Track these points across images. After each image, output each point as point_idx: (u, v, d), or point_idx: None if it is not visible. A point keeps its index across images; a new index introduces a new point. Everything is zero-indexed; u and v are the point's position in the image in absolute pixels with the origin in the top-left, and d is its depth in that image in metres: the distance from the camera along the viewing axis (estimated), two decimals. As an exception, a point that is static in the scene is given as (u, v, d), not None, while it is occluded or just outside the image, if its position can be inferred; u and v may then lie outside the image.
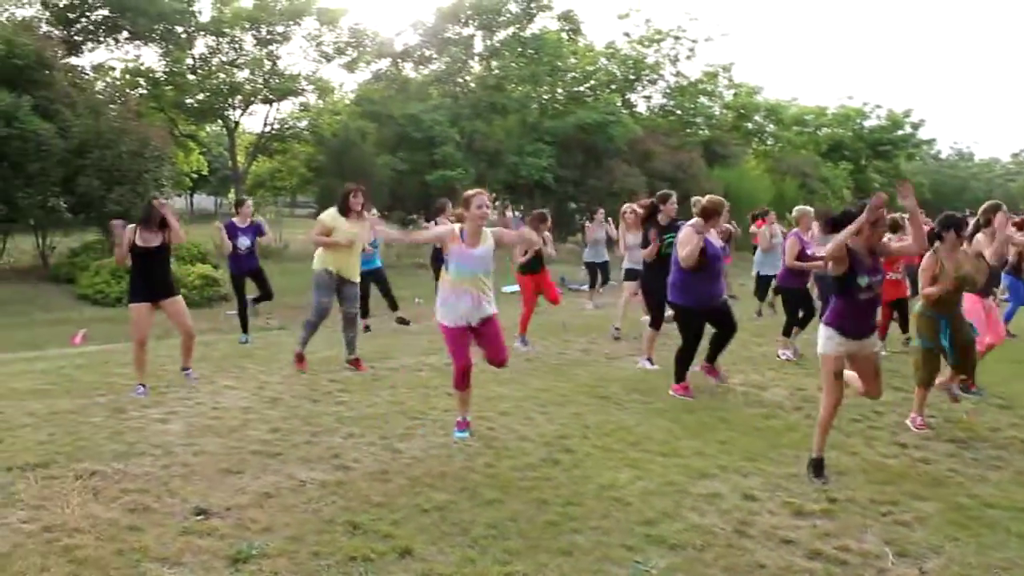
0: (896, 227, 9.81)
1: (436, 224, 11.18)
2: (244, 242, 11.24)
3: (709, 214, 7.91)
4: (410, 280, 18.31)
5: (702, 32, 57.63)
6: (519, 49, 33.42)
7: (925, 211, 14.23)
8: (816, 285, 11.09)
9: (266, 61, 33.22)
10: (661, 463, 5.93)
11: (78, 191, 20.84)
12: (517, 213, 32.92)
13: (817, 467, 5.78)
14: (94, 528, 4.53)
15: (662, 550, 4.51)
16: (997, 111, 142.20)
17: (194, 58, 32.84)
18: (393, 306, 12.63)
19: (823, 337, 5.88)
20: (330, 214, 9.06)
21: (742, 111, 42.25)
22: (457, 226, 6.42)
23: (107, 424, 6.61)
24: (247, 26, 32.34)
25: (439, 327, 6.51)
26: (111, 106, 23.63)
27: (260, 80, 33.24)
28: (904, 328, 10.41)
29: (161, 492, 5.11)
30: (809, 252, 9.95)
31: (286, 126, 35.68)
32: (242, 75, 33.36)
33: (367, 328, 10.99)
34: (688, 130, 38.62)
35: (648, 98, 40.31)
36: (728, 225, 9.98)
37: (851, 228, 5.64)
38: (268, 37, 32.91)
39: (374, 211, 11.85)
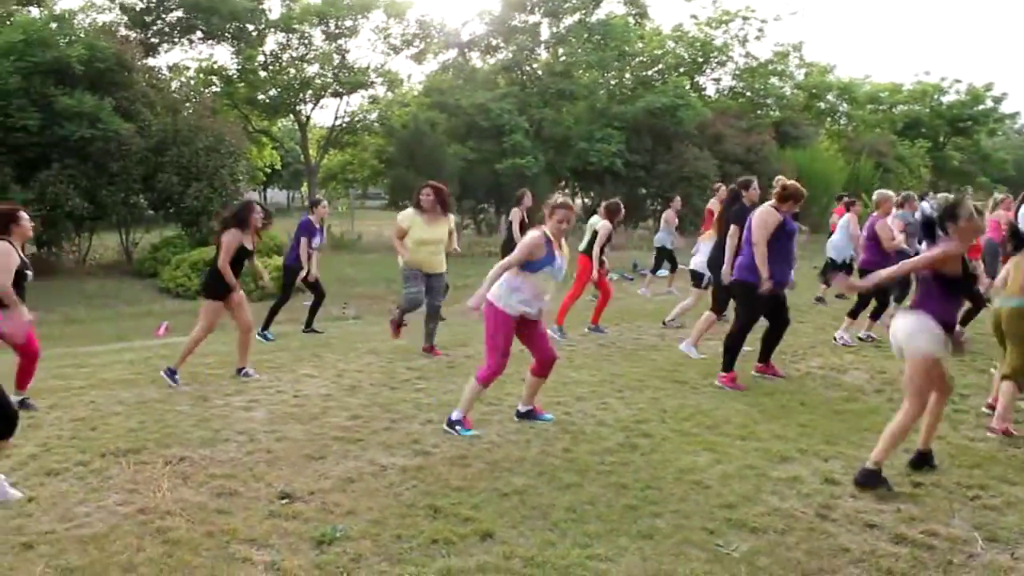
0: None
1: (515, 212, 11.32)
2: (317, 241, 11.42)
3: (787, 198, 7.75)
4: (482, 268, 18.44)
5: (771, 11, 56.92)
6: (586, 35, 33.22)
7: (1009, 188, 13.79)
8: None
9: (335, 55, 33.66)
10: (740, 447, 5.88)
11: (158, 188, 21.43)
12: (587, 200, 32.81)
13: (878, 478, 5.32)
14: (184, 511, 4.66)
15: (743, 533, 4.47)
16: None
17: (265, 55, 33.46)
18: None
19: (931, 336, 5.27)
20: (406, 214, 9.16)
21: (814, 91, 41.36)
22: (541, 232, 6.25)
23: (193, 412, 6.79)
24: (316, 21, 32.79)
25: (492, 312, 6.13)
26: (187, 104, 24.21)
27: (330, 74, 33.69)
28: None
29: (247, 477, 5.24)
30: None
31: (356, 119, 36.14)
32: (312, 70, 33.86)
33: (442, 318, 11.07)
34: (759, 112, 37.99)
35: (717, 80, 39.78)
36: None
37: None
38: (337, 31, 33.33)
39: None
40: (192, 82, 30.08)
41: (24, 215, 6.60)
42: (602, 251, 10.55)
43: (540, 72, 34.06)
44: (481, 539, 4.34)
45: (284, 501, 4.85)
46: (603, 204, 11.10)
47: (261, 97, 34.14)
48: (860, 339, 9.89)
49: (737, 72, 39.04)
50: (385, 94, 36.03)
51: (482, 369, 6.19)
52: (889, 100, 46.47)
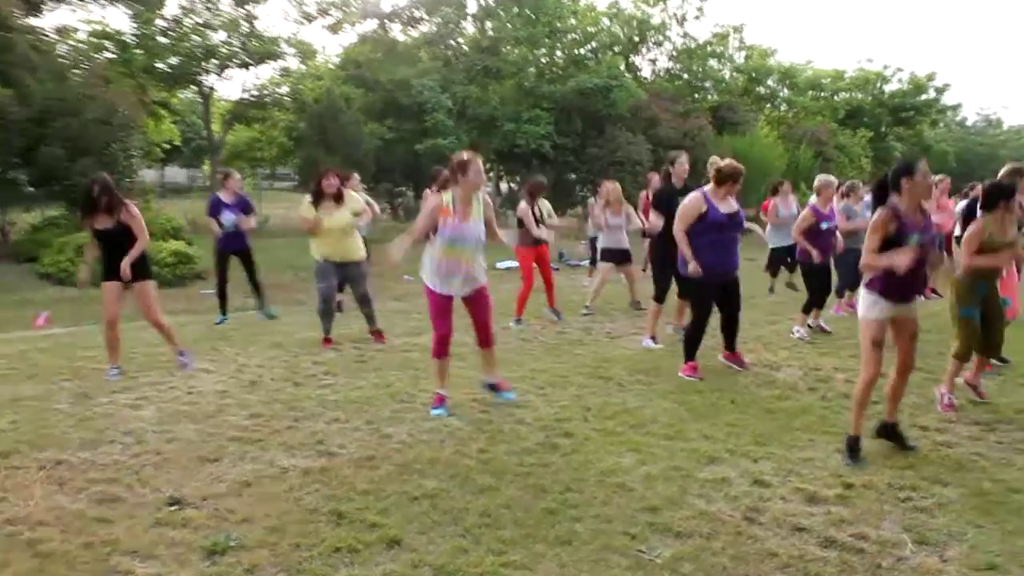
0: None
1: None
2: (229, 217, 11.19)
3: (723, 179, 7.88)
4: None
5: (711, -10, 57.56)
6: (515, 9, 33.25)
7: (952, 181, 14.26)
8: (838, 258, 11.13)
9: (243, 22, 33.02)
10: (666, 447, 5.94)
11: (40, 162, 20.73)
12: (513, 185, 32.89)
13: (852, 447, 5.83)
14: (59, 520, 4.53)
15: (667, 538, 4.52)
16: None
17: (165, 19, 32.64)
18: (257, 290, 12.05)
19: (866, 302, 5.87)
20: (306, 206, 9.27)
21: (754, 75, 42.18)
22: (445, 197, 6.40)
23: (73, 411, 6.61)
24: (222, -16, 32.15)
25: (425, 290, 6.62)
26: (75, 71, 23.51)
27: (237, 43, 33.05)
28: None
29: (132, 482, 5.11)
30: (826, 226, 9.96)
31: (265, 92, 35.54)
32: (218, 37, 33.17)
33: (339, 308, 11.04)
34: (696, 95, 38.57)
35: (653, 61, 40.22)
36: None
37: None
38: (245, -4, 32.73)
39: (356, 178, 11.85)
40: (82, 47, 29.21)
41: None
42: (539, 224, 10.66)
43: (466, 47, 34.01)
44: (388, 547, 4.31)
45: (173, 508, 4.74)
46: (527, 181, 11.42)
47: (160, 66, 33.28)
48: (791, 334, 10.12)
49: (674, 53, 39.56)
50: (297, 66, 35.53)
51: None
52: (831, 87, 47.58)
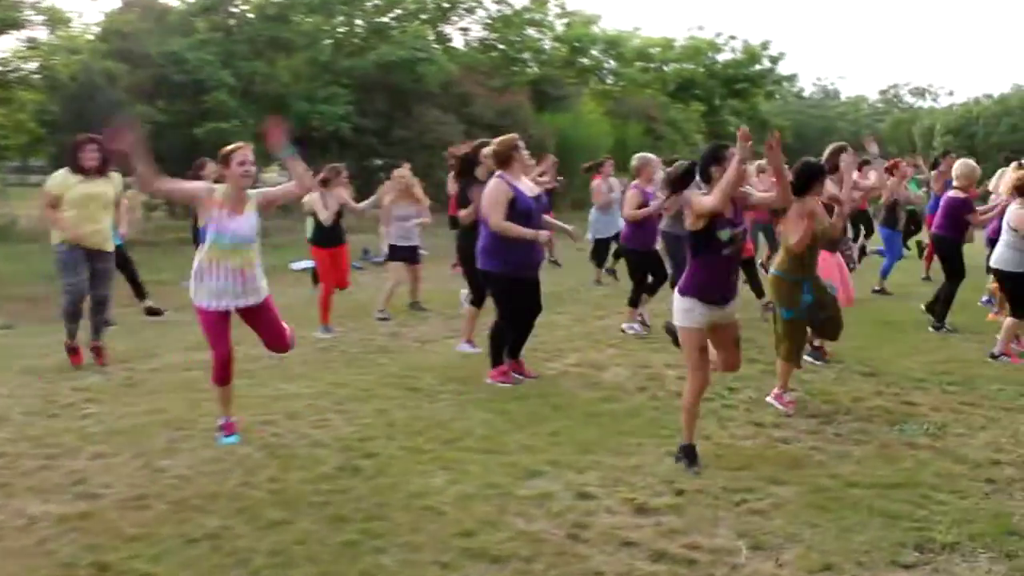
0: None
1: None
2: None
3: (504, 159, 7.97)
4: (175, 260, 17.75)
5: (526, -50, 58.32)
6: (305, -29, 32.80)
7: (788, 157, 15.09)
8: (665, 246, 11.54)
9: (-24, -16, 31.24)
10: (481, 462, 6.03)
11: None
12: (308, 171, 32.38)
13: (689, 454, 6.04)
14: None
15: (482, 564, 4.58)
16: (863, 42, 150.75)
17: None
18: (139, 294, 12.25)
19: (682, 309, 6.07)
20: (57, 179, 8.89)
21: (576, 44, 42.96)
22: (218, 187, 6.27)
23: None
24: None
25: (195, 309, 6.43)
26: None
27: (-33, 10, 31.24)
28: (758, 293, 10.96)
29: None
30: (652, 205, 10.30)
31: (8, 68, 33.69)
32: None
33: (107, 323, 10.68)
34: (514, 68, 39.00)
35: (465, 31, 40.39)
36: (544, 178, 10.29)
37: (731, 174, 5.80)
38: (-22, -46, 30.96)
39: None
40: None
41: None
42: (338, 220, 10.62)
43: (250, 16, 33.27)
44: (159, 599, 4.20)
45: None
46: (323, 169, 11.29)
47: None
48: (622, 330, 10.42)
49: (488, 21, 39.87)
50: (48, 37, 33.85)
51: None
52: (660, 57, 49.03)
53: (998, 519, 5.12)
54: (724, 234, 5.94)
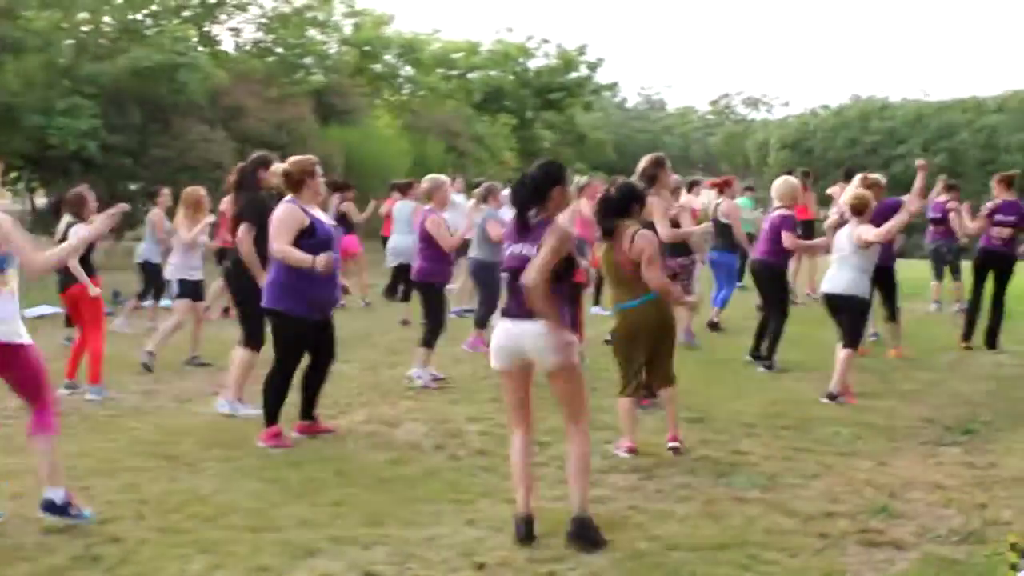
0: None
1: None
2: None
3: (296, 182, 8.02)
4: None
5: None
6: (39, -42, 31.84)
7: (608, 174, 15.55)
8: (474, 274, 11.78)
9: None
10: (250, 542, 5.94)
11: None
12: (48, 199, 31.36)
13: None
14: None
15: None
16: (692, 49, 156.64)
17: None
18: None
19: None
20: None
21: (367, 49, 43.06)
22: None
23: None
24: None
25: None
26: None
27: None
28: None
29: None
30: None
31: None
32: None
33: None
34: (294, 75, 38.75)
35: (236, 31, 39.94)
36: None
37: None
38: None
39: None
40: None
41: None
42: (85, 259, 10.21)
43: (-33, 10, 32.07)
44: None
45: None
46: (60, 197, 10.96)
47: None
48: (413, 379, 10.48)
49: (264, 20, 39.52)
50: None
51: None
52: (464, 64, 49.59)
53: (829, 578, 5.38)
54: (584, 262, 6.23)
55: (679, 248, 10.90)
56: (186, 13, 37.14)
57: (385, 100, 45.37)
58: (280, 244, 7.83)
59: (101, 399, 9.88)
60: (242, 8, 38.93)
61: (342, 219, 15.25)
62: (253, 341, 9.26)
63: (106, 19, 35.38)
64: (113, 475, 7.34)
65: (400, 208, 15.66)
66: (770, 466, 7.47)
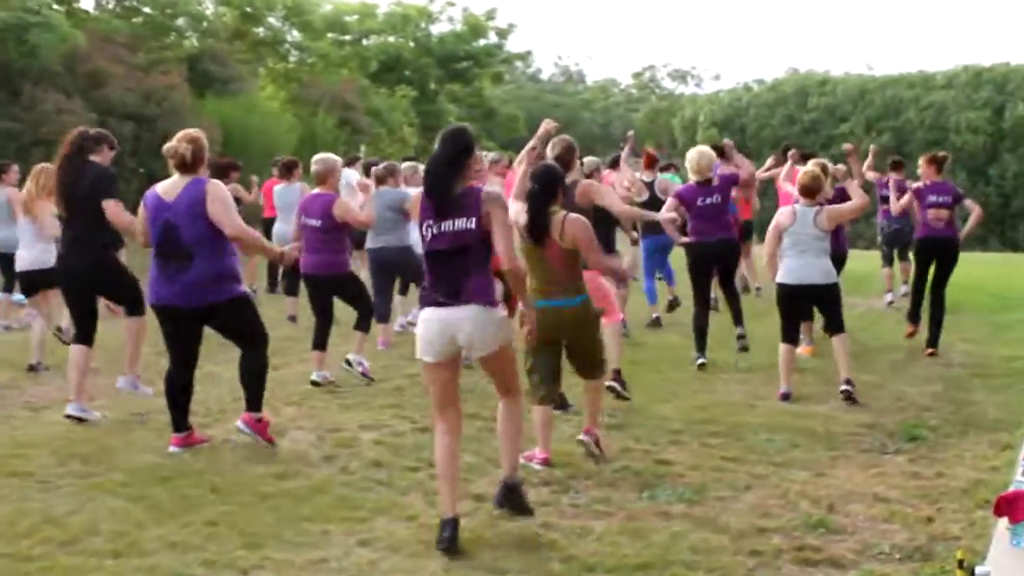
0: None
1: None
2: None
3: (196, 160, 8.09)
4: None
5: None
6: None
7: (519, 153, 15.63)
8: (397, 261, 11.84)
9: None
10: (111, 569, 5.88)
11: None
12: None
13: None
14: None
15: None
16: (614, 16, 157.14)
17: None
18: None
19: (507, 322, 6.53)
20: None
21: (248, 10, 42.61)
22: None
23: None
24: None
25: None
26: None
27: None
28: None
29: None
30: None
31: None
32: None
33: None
34: (165, 39, 38.26)
35: (96, -11, 39.41)
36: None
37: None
38: None
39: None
40: None
41: None
42: None
43: None
44: None
45: None
46: None
47: None
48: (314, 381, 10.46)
49: (130, -26, 39.01)
50: None
51: None
52: (358, 28, 49.21)
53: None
54: None
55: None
56: (39, -33, 36.47)
57: (269, 69, 44.88)
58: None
59: None
60: (102, -39, 38.36)
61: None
62: (135, 308, 9.44)
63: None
64: (-51, 497, 7.23)
65: (283, 192, 15.46)
66: (697, 477, 7.52)
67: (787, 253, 10.04)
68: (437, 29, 50.70)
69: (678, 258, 13.05)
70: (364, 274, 12.97)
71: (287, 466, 7.80)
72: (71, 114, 29.72)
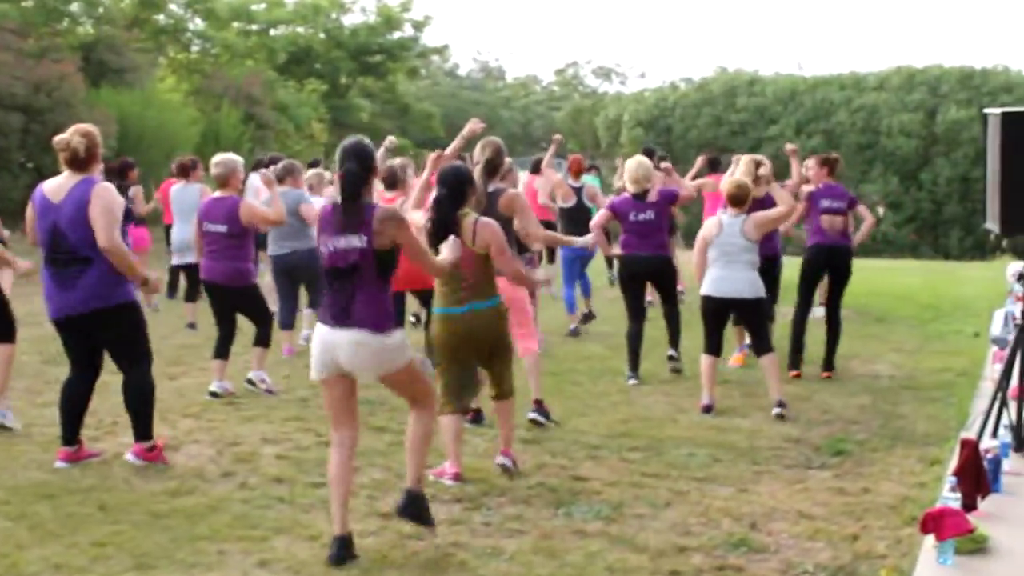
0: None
1: None
2: None
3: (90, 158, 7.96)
4: None
5: None
6: None
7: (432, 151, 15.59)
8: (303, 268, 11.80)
9: None
10: (-12, 593, 5.79)
11: None
12: None
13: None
14: None
15: None
16: (536, 10, 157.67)
17: None
18: None
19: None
20: None
21: (147, -3, 42.27)
22: None
23: None
24: None
25: None
26: None
27: None
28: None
29: None
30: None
31: None
32: None
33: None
34: (57, 25, 37.81)
35: (-18, -33, 38.87)
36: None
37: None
38: None
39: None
40: None
41: None
42: None
43: None
44: None
45: None
46: None
47: None
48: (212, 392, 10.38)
49: (18, -45, 38.54)
50: None
51: None
52: (265, 18, 48.87)
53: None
54: None
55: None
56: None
57: (170, 59, 44.56)
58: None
59: None
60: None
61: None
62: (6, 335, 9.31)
63: None
64: None
65: (181, 193, 15.04)
66: (615, 494, 7.54)
67: (714, 264, 9.99)
68: (349, 20, 50.61)
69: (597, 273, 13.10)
70: (268, 277, 12.84)
71: (182, 482, 7.73)
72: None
